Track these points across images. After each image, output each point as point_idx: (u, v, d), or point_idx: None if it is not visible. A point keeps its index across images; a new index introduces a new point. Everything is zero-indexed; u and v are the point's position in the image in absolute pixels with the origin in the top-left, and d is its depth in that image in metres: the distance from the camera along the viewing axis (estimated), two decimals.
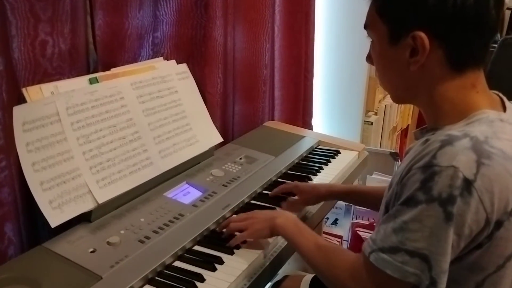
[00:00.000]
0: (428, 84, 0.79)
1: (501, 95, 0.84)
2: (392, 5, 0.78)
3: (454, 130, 0.75)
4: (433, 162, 0.71)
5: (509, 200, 0.71)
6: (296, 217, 0.98)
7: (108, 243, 0.94)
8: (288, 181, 1.26)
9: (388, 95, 0.96)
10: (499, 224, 0.72)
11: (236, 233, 0.99)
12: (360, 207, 1.91)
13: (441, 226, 0.70)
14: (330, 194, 1.20)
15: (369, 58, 0.87)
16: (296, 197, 1.19)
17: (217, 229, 1.04)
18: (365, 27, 0.84)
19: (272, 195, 1.20)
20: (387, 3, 0.79)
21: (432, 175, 0.70)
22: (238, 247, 0.98)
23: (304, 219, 1.17)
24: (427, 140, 0.76)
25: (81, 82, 1.07)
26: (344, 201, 1.31)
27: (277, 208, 1.16)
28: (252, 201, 1.20)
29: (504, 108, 0.81)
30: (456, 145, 0.71)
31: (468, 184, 0.69)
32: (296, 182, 1.22)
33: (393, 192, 0.79)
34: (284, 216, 0.97)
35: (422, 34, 0.75)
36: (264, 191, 1.25)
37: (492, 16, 0.75)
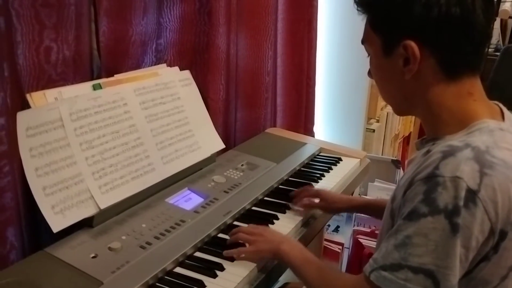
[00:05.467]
0: (425, 92, 0.80)
1: (500, 105, 0.84)
2: (382, 17, 0.80)
3: (455, 140, 0.75)
4: (436, 173, 0.70)
5: (511, 210, 0.71)
6: (301, 245, 0.97)
7: (110, 248, 0.94)
8: (309, 186, 1.28)
9: None
10: (503, 234, 0.71)
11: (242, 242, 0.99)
12: (361, 215, 1.91)
13: (448, 239, 0.69)
14: (349, 207, 1.23)
15: (370, 73, 0.89)
16: (317, 201, 1.21)
17: (228, 234, 1.03)
18: (362, 42, 0.86)
19: (294, 195, 1.22)
20: (377, 16, 0.81)
21: (435, 186, 0.70)
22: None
23: (305, 225, 1.17)
24: (428, 151, 0.76)
25: (84, 88, 1.08)
26: (362, 213, 1.34)
27: (278, 214, 1.16)
28: (253, 208, 1.20)
29: (503, 118, 0.81)
30: (458, 156, 0.71)
31: (472, 195, 0.68)
32: (318, 190, 1.23)
33: (397, 206, 0.79)
34: (290, 243, 0.96)
35: (412, 43, 0.76)
36: (266, 198, 1.25)
37: (480, 20, 0.75)
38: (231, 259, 0.96)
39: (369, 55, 0.87)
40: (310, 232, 1.17)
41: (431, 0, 0.74)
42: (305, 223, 1.18)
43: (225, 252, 0.97)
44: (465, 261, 0.70)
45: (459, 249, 0.69)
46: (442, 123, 0.80)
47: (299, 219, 1.16)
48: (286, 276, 1.25)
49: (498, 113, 0.82)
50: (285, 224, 1.13)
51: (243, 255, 0.96)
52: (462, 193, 0.68)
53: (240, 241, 0.99)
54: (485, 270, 0.73)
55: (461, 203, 0.68)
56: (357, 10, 0.83)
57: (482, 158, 0.71)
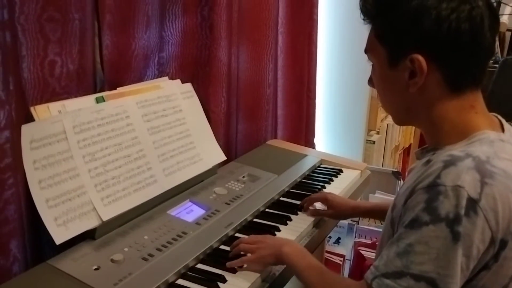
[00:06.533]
0: (428, 105, 0.81)
1: (499, 117, 0.85)
2: (390, 29, 0.80)
3: (456, 150, 0.76)
4: (437, 182, 0.71)
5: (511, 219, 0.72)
6: (303, 247, 0.98)
7: (112, 260, 0.94)
8: (319, 192, 1.31)
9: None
10: (503, 243, 0.72)
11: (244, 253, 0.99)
12: (363, 226, 1.91)
13: (449, 247, 0.69)
14: (356, 213, 1.25)
15: (370, 82, 0.89)
16: (325, 208, 1.23)
17: (230, 247, 1.03)
18: (366, 51, 0.86)
19: (302, 205, 1.25)
20: (385, 27, 0.81)
21: (437, 194, 0.70)
22: (240, 266, 0.98)
23: (307, 237, 1.17)
24: (428, 161, 0.77)
25: (88, 101, 1.09)
26: (370, 217, 1.34)
27: (280, 225, 1.16)
28: (255, 220, 1.20)
29: (503, 130, 0.82)
30: (459, 165, 0.72)
31: (473, 204, 0.69)
32: (326, 195, 1.24)
33: (397, 214, 0.80)
34: (291, 245, 0.96)
35: (419, 57, 0.77)
36: (267, 209, 1.26)
37: (487, 38, 0.77)
38: (233, 270, 0.96)
39: (371, 64, 0.87)
40: (311, 244, 1.17)
41: (442, 15, 0.74)
42: (307, 235, 1.18)
43: (228, 264, 0.97)
44: (466, 269, 0.71)
45: (460, 258, 0.69)
46: (444, 134, 0.81)
47: (300, 230, 1.16)
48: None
49: (497, 125, 0.83)
50: (287, 236, 1.13)
51: (246, 265, 0.96)
52: (463, 202, 0.69)
53: (242, 252, 0.99)
54: (486, 279, 0.74)
55: (462, 211, 0.69)
56: (363, 19, 0.84)
57: (483, 168, 0.72)
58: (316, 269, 0.89)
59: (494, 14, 0.78)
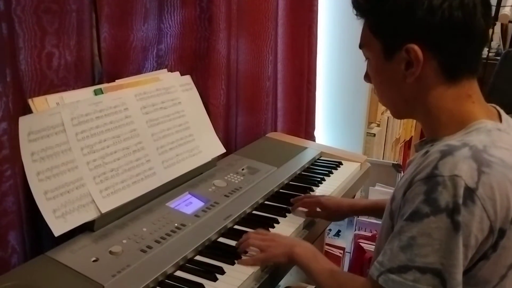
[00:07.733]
0: (425, 95, 0.81)
1: (497, 107, 0.85)
2: (383, 21, 0.80)
3: (453, 140, 0.76)
4: (434, 173, 0.71)
5: (510, 208, 0.72)
6: (314, 248, 0.97)
7: (111, 252, 0.94)
8: (312, 195, 1.26)
9: None
10: (502, 232, 0.72)
11: (252, 248, 0.98)
12: (363, 219, 1.91)
13: (451, 237, 0.70)
14: (353, 211, 1.22)
15: (366, 77, 0.89)
16: (319, 210, 1.19)
17: (235, 244, 1.02)
18: (360, 46, 0.86)
19: (293, 206, 1.20)
20: (378, 20, 0.81)
21: (435, 185, 0.71)
22: (239, 257, 0.98)
23: (306, 229, 1.17)
24: (426, 152, 0.77)
25: (86, 93, 1.09)
26: (368, 215, 1.31)
27: (280, 218, 1.16)
28: (254, 212, 1.20)
29: (501, 120, 0.82)
30: (456, 155, 0.72)
31: (470, 193, 0.69)
32: (319, 198, 1.20)
33: (397, 207, 0.80)
34: (303, 245, 0.96)
35: (415, 47, 0.77)
36: (266, 202, 1.26)
37: (480, 24, 0.77)
38: (232, 262, 0.97)
39: (366, 59, 0.87)
40: (311, 236, 1.17)
41: (434, 5, 0.74)
42: (306, 227, 1.18)
43: (239, 261, 0.96)
44: (465, 259, 0.71)
45: (461, 247, 0.70)
46: (441, 125, 0.81)
47: (299, 223, 1.16)
48: (287, 280, 1.25)
49: (495, 114, 0.83)
50: (286, 228, 1.13)
51: (258, 263, 0.96)
52: (461, 191, 0.69)
53: (251, 247, 0.98)
54: (485, 269, 0.74)
55: (460, 201, 0.69)
56: (356, 14, 0.84)
57: (480, 157, 0.72)
58: (327, 270, 0.89)
59: (486, 1, 0.78)
